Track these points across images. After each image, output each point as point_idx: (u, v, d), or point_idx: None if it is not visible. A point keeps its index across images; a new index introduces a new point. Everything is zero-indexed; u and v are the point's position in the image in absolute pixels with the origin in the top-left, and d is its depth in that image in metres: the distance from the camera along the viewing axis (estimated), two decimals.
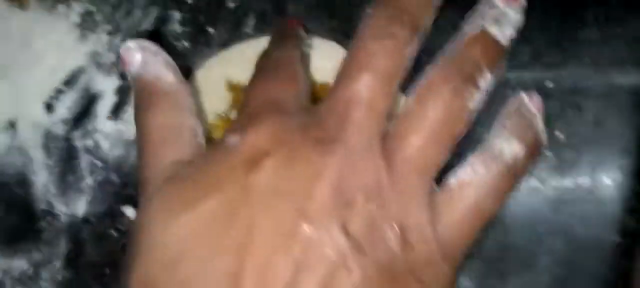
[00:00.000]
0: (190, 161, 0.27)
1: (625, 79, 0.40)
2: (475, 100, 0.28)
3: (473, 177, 0.27)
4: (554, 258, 0.36)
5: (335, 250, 0.22)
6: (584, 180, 0.38)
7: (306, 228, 0.22)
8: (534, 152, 0.29)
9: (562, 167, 0.38)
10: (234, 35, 0.49)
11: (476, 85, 0.27)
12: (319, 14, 0.47)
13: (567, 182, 0.38)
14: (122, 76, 0.50)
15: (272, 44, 0.34)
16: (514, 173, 0.28)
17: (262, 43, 0.48)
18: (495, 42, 0.28)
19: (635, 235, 0.36)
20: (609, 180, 0.38)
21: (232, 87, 0.45)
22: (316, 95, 0.43)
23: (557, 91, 0.41)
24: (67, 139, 0.49)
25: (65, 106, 0.50)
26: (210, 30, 0.49)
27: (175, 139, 0.29)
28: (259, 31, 0.48)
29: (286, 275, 0.22)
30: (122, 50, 0.32)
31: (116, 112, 0.49)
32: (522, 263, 0.36)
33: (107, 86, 0.50)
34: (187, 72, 0.48)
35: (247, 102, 0.29)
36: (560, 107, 0.40)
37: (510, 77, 0.42)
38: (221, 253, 0.22)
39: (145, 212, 0.26)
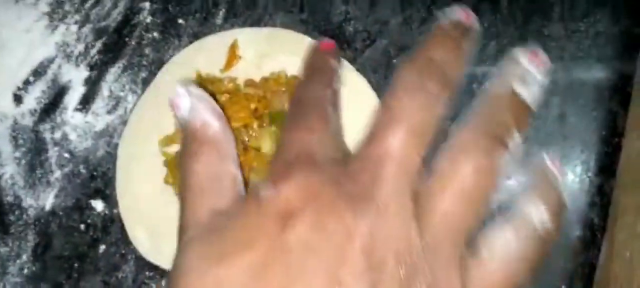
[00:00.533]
0: (228, 211, 0.27)
1: (588, 73, 0.41)
2: (505, 160, 0.27)
3: (504, 244, 0.26)
4: None
5: None
6: None
7: None
8: (559, 215, 0.29)
9: (527, 161, 0.39)
10: (205, 26, 0.48)
11: (506, 146, 0.26)
12: (288, 6, 0.47)
13: None
14: (91, 67, 0.50)
15: (306, 79, 0.32)
16: (543, 239, 0.28)
17: (232, 34, 0.48)
18: (524, 104, 0.28)
19: (597, 229, 0.37)
20: (572, 175, 0.38)
21: (202, 80, 0.45)
22: (286, 88, 0.43)
23: None
24: (36, 131, 0.48)
25: (34, 97, 0.49)
26: (181, 21, 0.49)
27: (216, 188, 0.28)
28: (229, 22, 0.48)
29: None
30: (171, 97, 0.32)
31: (85, 103, 0.48)
32: None
33: (75, 77, 0.49)
34: (158, 63, 0.48)
35: (281, 149, 0.28)
36: None
37: (476, 71, 0.43)
38: None
39: (183, 257, 0.26)
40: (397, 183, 0.24)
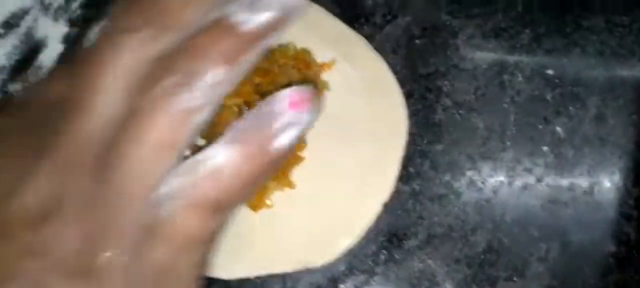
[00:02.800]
0: None
1: (630, 71, 0.37)
2: None
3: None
4: (546, 266, 0.33)
5: None
6: (582, 181, 0.35)
7: None
8: None
9: (560, 166, 0.35)
10: None
11: None
12: None
13: (564, 182, 0.35)
14: (72, 23, 0.44)
15: None
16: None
17: None
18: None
19: (633, 245, 0.33)
20: (608, 183, 0.35)
21: None
22: (294, 62, 0.39)
23: (559, 80, 0.37)
24: (4, 91, 0.43)
25: (4, 52, 0.43)
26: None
27: None
28: None
29: None
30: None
31: (62, 63, 0.43)
32: (513, 269, 0.33)
33: (53, 33, 0.43)
34: None
35: None
36: (561, 99, 0.37)
37: (508, 60, 0.38)
38: None
39: None
40: None
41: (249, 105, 0.37)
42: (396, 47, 0.40)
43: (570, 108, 0.37)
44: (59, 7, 0.44)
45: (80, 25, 0.44)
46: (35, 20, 0.44)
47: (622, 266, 0.33)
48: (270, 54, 0.39)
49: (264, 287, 0.35)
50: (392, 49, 0.40)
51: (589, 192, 0.35)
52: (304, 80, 0.38)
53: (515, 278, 0.33)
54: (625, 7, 0.39)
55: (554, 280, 0.33)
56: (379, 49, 0.40)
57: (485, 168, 0.36)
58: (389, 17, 0.41)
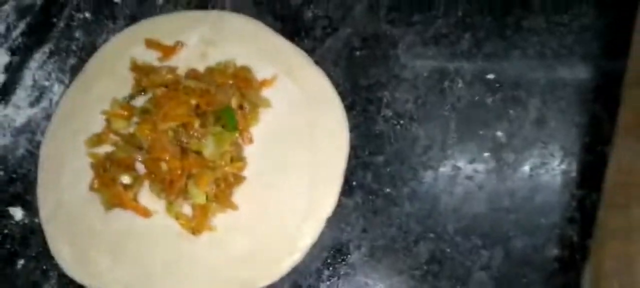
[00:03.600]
0: None
1: (571, 72, 0.37)
2: None
3: None
4: (490, 274, 0.33)
5: None
6: (524, 186, 0.34)
7: None
8: None
9: (502, 172, 0.35)
10: (143, 7, 0.42)
11: None
12: None
13: (506, 188, 0.34)
14: (13, 51, 0.43)
15: None
16: None
17: (173, 19, 0.43)
18: None
19: (576, 249, 0.33)
20: (550, 187, 0.34)
21: (136, 69, 0.39)
22: (234, 80, 0.38)
23: (499, 85, 0.37)
24: None
25: None
26: (116, 0, 0.43)
27: None
28: (171, 3, 0.42)
29: None
30: None
31: (4, 94, 0.42)
32: (456, 279, 0.33)
33: None
34: (90, 48, 0.42)
35: None
36: (502, 103, 0.37)
37: (448, 67, 0.38)
38: None
39: None
40: None
41: (187, 127, 0.36)
42: (337, 59, 0.39)
43: (511, 112, 0.36)
44: (0, 36, 0.43)
45: (21, 53, 0.43)
46: None
47: (565, 269, 0.33)
48: (209, 73, 0.39)
49: None
50: (333, 62, 0.39)
51: (531, 196, 0.34)
52: (243, 99, 0.37)
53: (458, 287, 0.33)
54: (566, 5, 0.38)
55: (497, 287, 0.33)
56: (320, 62, 0.39)
57: (427, 178, 0.35)
58: (329, 30, 0.40)
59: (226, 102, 0.37)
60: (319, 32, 0.40)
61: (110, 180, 0.36)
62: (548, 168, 0.35)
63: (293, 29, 0.40)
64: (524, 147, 0.35)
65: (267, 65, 0.39)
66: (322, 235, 0.35)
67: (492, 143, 0.36)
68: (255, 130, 0.38)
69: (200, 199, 0.35)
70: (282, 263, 0.35)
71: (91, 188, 0.37)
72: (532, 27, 0.38)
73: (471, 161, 0.35)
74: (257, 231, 0.35)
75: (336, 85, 0.38)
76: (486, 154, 0.36)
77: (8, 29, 0.44)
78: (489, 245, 0.34)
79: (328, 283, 0.34)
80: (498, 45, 0.38)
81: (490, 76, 0.37)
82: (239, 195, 0.36)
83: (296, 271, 0.35)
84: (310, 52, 0.40)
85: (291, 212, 0.36)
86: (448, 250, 0.34)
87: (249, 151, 0.37)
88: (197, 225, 0.35)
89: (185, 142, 0.36)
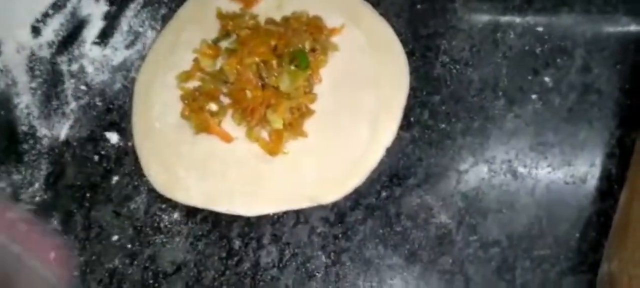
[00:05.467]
0: None
1: (614, 27, 0.40)
2: None
3: None
4: (534, 199, 0.36)
5: None
6: (567, 129, 0.38)
7: None
8: None
9: (548, 110, 0.39)
10: None
11: None
12: None
13: (552, 125, 0.38)
14: (111, 2, 0.49)
15: None
16: None
17: None
18: None
19: (614, 180, 0.36)
20: (593, 127, 0.38)
21: (222, 17, 0.45)
22: (307, 27, 0.43)
23: (548, 36, 0.41)
24: (53, 63, 0.48)
25: (52, 29, 0.49)
26: None
27: None
28: None
29: None
30: None
31: (103, 38, 0.48)
32: (503, 203, 0.37)
33: (95, 11, 0.49)
34: (179, 0, 0.48)
35: None
36: (550, 52, 0.40)
37: (501, 21, 0.42)
38: None
39: None
40: None
41: (266, 65, 0.41)
42: (400, 11, 0.44)
43: (558, 60, 0.40)
44: None
45: (118, 4, 0.49)
46: (79, 1, 0.50)
47: (603, 198, 0.36)
48: (285, 21, 0.44)
49: (280, 221, 0.39)
50: (396, 14, 0.44)
51: (574, 132, 0.38)
52: (315, 43, 0.42)
53: (504, 210, 0.37)
54: None
55: (539, 210, 0.36)
56: (384, 13, 0.44)
57: (480, 116, 0.39)
58: None
59: (300, 44, 0.42)
60: None
61: (198, 108, 0.42)
62: (591, 111, 0.38)
63: None
64: (568, 91, 0.39)
65: (337, 15, 0.44)
66: (382, 162, 0.39)
67: (540, 87, 0.40)
68: (325, 71, 0.42)
69: (278, 124, 0.39)
70: (345, 183, 0.39)
71: (182, 115, 0.42)
72: None
73: (520, 102, 0.39)
74: (324, 156, 0.40)
75: (398, 33, 0.43)
76: (534, 96, 0.39)
77: None
78: (533, 173, 0.37)
79: (385, 201, 0.39)
80: (547, 2, 0.42)
81: (540, 29, 0.41)
82: (309, 125, 0.41)
83: (357, 191, 0.39)
84: (375, 5, 0.44)
85: (355, 140, 0.40)
86: (495, 180, 0.38)
87: (318, 89, 0.42)
88: (273, 147, 0.40)
89: (265, 77, 0.41)
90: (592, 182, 0.37)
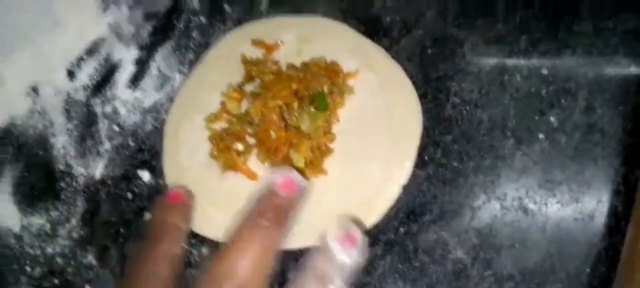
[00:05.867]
0: None
1: (615, 69, 0.43)
2: None
3: None
4: (544, 235, 0.39)
5: None
6: (573, 166, 0.40)
7: None
8: None
9: (554, 149, 0.41)
10: (249, 13, 0.51)
11: None
12: None
13: (557, 165, 0.40)
14: (141, 47, 0.53)
15: (147, 244, 0.40)
16: None
17: (274, 22, 0.51)
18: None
19: (621, 217, 0.38)
20: (599, 165, 0.40)
21: (246, 62, 0.48)
22: (325, 72, 0.46)
23: (552, 78, 0.43)
24: (87, 105, 0.52)
25: (86, 73, 0.53)
26: (227, 7, 0.52)
27: None
28: (272, 9, 0.51)
29: None
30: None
31: (134, 81, 0.51)
32: (516, 239, 0.39)
33: (126, 57, 0.53)
34: (204, 46, 0.51)
35: None
36: (554, 94, 0.43)
37: (507, 64, 0.45)
38: None
39: None
40: None
41: (288, 106, 0.44)
42: (411, 55, 0.47)
43: (563, 101, 0.43)
44: (131, 36, 0.53)
45: (147, 49, 0.53)
46: (112, 46, 0.53)
47: (612, 234, 0.38)
48: (305, 66, 0.47)
49: (303, 255, 0.41)
50: (408, 57, 0.47)
51: (580, 169, 0.40)
52: (333, 86, 0.45)
53: (516, 245, 0.39)
54: (610, 12, 0.44)
55: (551, 246, 0.39)
56: (397, 58, 0.47)
57: (489, 155, 0.42)
58: (404, 32, 0.48)
59: (319, 87, 0.45)
60: (395, 34, 0.48)
61: (226, 147, 0.45)
62: (595, 150, 0.41)
63: (373, 30, 0.48)
64: (573, 131, 0.42)
65: (352, 59, 0.47)
66: (398, 199, 0.42)
67: (546, 127, 0.42)
68: (342, 112, 0.45)
69: (300, 163, 0.42)
70: (365, 220, 0.42)
71: (211, 154, 0.45)
72: (581, 30, 0.44)
73: (528, 141, 0.42)
74: (343, 193, 0.43)
75: (410, 76, 0.45)
76: (541, 136, 0.42)
77: (137, 30, 0.53)
78: (543, 210, 0.40)
79: (403, 237, 0.41)
80: (551, 46, 0.44)
81: (544, 71, 0.44)
82: (328, 163, 0.44)
83: (376, 227, 0.42)
84: (388, 49, 0.47)
85: (372, 179, 0.43)
86: (507, 217, 0.40)
87: (336, 129, 0.45)
88: None
89: (287, 118, 0.44)
90: (600, 218, 0.39)
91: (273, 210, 0.36)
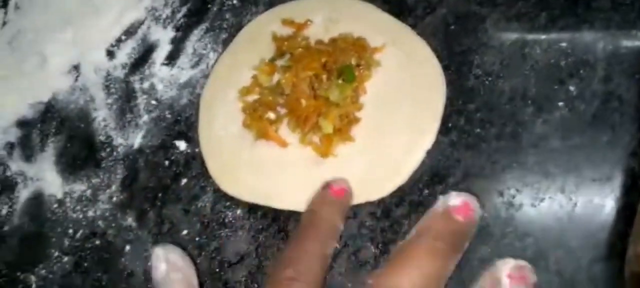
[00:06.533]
0: None
1: (632, 41, 0.44)
2: None
3: None
4: (566, 195, 0.40)
5: None
6: (593, 132, 0.42)
7: None
8: None
9: (573, 116, 0.43)
10: None
11: None
12: None
13: (578, 132, 0.42)
14: (177, 28, 0.56)
15: (304, 233, 0.40)
16: None
17: (303, 4, 0.54)
18: None
19: (637, 175, 0.40)
20: (614, 132, 0.42)
21: (277, 39, 0.51)
22: (352, 47, 0.48)
23: (571, 50, 0.45)
24: (126, 82, 0.55)
25: (125, 53, 0.56)
26: None
27: None
28: None
29: None
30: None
31: (171, 59, 0.54)
32: (534, 198, 0.41)
33: (163, 37, 0.56)
34: (237, 26, 0.54)
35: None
36: (574, 64, 0.45)
37: (528, 38, 0.47)
38: None
39: None
40: None
41: (317, 78, 0.47)
42: (435, 32, 0.49)
43: (581, 71, 0.44)
44: (167, 17, 0.56)
45: (183, 30, 0.56)
46: (149, 28, 0.57)
47: (628, 193, 0.40)
48: (333, 41, 0.49)
49: None
50: (432, 34, 0.49)
51: (598, 135, 0.42)
52: (360, 60, 0.48)
53: (536, 204, 0.41)
54: None
55: (569, 205, 0.40)
56: (421, 34, 0.49)
57: (510, 122, 0.44)
58: (428, 10, 0.50)
59: (347, 61, 0.47)
60: (420, 12, 0.50)
61: (258, 117, 0.47)
62: (610, 114, 0.42)
63: (399, 10, 0.51)
64: (592, 99, 0.43)
65: (378, 36, 0.49)
66: (423, 163, 0.44)
67: (565, 95, 0.44)
68: (369, 84, 0.47)
69: (329, 130, 0.45)
70: (389, 183, 0.44)
71: (244, 124, 0.48)
72: (600, 6, 0.46)
73: (548, 109, 0.44)
74: (370, 159, 0.45)
75: (435, 51, 0.48)
76: (560, 104, 0.44)
77: (173, 13, 0.57)
78: (562, 172, 0.41)
79: (428, 198, 0.43)
80: (570, 21, 0.46)
81: (564, 44, 0.46)
82: (356, 131, 0.46)
83: (401, 189, 0.44)
84: (412, 26, 0.49)
85: (397, 144, 0.45)
86: (528, 177, 0.42)
87: (363, 99, 0.47)
88: (324, 150, 0.45)
89: (316, 89, 0.46)
90: (617, 179, 0.41)
91: (451, 234, 0.35)
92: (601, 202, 0.40)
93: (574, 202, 0.40)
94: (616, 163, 0.41)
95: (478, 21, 0.48)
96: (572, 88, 0.44)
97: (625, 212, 0.39)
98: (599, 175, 0.41)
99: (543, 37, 0.47)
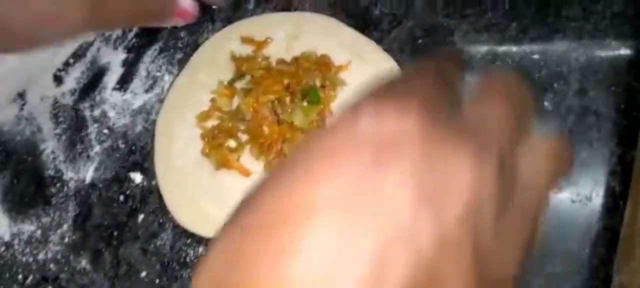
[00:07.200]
0: None
1: (606, 51, 0.43)
2: None
3: None
4: None
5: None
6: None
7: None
8: None
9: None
10: (237, 11, 0.51)
11: None
12: None
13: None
14: (129, 49, 0.52)
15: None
16: None
17: (262, 20, 0.51)
18: None
19: (618, 196, 0.38)
20: (594, 146, 0.40)
21: (236, 59, 0.47)
22: (316, 66, 0.45)
23: (544, 63, 0.43)
24: (76, 109, 0.51)
25: (73, 78, 0.52)
26: (214, 6, 0.51)
27: None
28: (260, 7, 0.51)
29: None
30: None
31: (123, 83, 0.51)
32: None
33: (114, 59, 0.52)
34: (193, 45, 0.51)
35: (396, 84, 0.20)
36: (547, 78, 0.43)
37: (499, 51, 0.45)
38: None
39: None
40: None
41: (280, 102, 0.44)
42: (402, 46, 0.47)
43: (555, 85, 0.42)
44: (118, 37, 0.53)
45: (135, 51, 0.52)
46: (98, 49, 0.53)
47: (609, 214, 0.38)
48: (295, 61, 0.46)
49: None
50: (399, 49, 0.47)
51: (576, 155, 0.40)
52: (324, 80, 0.45)
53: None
54: None
55: (549, 228, 0.38)
56: (388, 49, 0.46)
57: None
58: (394, 23, 0.48)
59: (311, 81, 0.44)
60: (385, 26, 0.48)
61: (218, 145, 0.44)
62: (590, 132, 0.41)
63: (363, 24, 0.48)
64: (567, 114, 0.41)
65: (343, 53, 0.46)
66: None
67: (540, 111, 0.42)
68: (335, 105, 0.45)
69: None
70: None
71: (202, 152, 0.44)
72: (570, 15, 0.44)
73: None
74: None
75: (402, 67, 0.45)
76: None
77: (124, 33, 0.53)
78: None
79: None
80: (541, 31, 0.44)
81: (536, 56, 0.44)
82: None
83: None
84: (379, 42, 0.47)
85: None
86: None
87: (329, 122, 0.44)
88: None
89: (279, 113, 0.43)
90: (598, 199, 0.39)
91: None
92: (582, 224, 0.38)
93: (554, 225, 0.39)
94: (596, 183, 0.39)
95: (446, 33, 0.46)
96: (546, 103, 0.42)
97: (607, 235, 0.38)
98: (579, 196, 0.39)
99: (514, 49, 0.45)
